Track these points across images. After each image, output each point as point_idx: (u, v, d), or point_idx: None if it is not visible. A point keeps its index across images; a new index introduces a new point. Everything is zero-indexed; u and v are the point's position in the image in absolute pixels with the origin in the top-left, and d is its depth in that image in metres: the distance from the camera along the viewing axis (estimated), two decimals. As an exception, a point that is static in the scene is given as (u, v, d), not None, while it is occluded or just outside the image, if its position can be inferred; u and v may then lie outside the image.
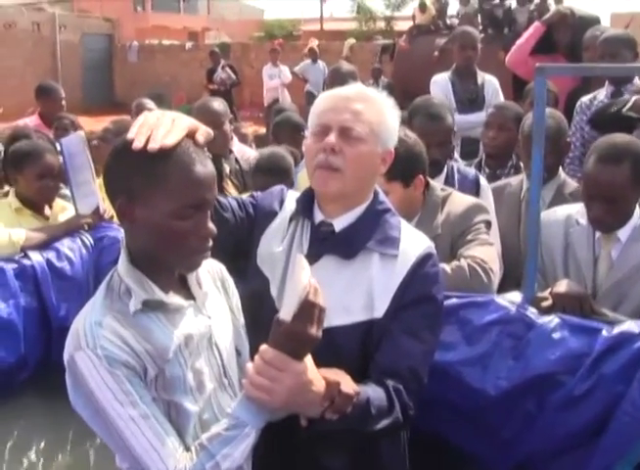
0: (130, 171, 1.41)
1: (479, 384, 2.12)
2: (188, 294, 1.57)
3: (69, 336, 1.44)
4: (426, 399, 2.20)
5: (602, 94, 4.11)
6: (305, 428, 1.52)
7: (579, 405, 2.02)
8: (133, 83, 19.77)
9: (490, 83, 4.89)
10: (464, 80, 4.89)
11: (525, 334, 2.12)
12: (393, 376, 1.66)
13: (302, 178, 3.46)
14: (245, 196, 2.02)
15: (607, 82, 4.15)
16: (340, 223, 1.77)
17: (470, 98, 4.76)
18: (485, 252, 2.38)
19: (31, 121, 5.75)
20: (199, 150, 1.46)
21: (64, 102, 5.91)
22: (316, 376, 1.47)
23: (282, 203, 1.91)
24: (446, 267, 2.32)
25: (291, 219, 1.85)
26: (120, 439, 1.40)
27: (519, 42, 5.34)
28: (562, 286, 2.21)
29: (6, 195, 3.39)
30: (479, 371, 2.13)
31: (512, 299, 2.22)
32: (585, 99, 4.14)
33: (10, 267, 2.91)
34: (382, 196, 1.85)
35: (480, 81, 4.89)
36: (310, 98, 13.85)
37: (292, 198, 1.91)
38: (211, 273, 1.68)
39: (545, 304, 2.18)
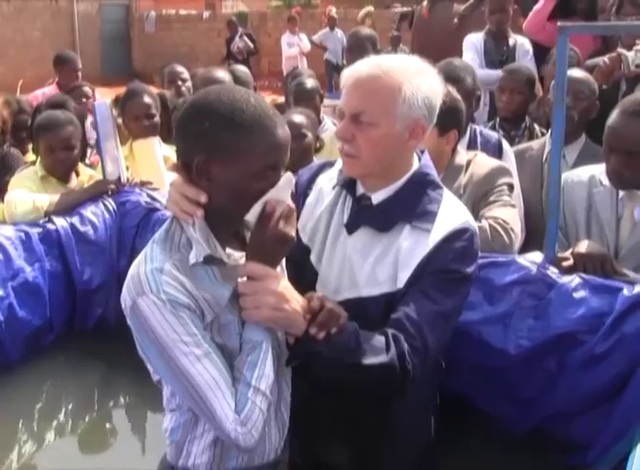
0: (214, 131, 1.45)
1: (499, 343, 2.14)
2: (242, 246, 1.62)
3: (130, 283, 1.49)
4: (445, 358, 2.24)
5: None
6: (292, 347, 1.57)
7: (600, 365, 2.03)
8: (151, 54, 19.70)
9: (522, 46, 4.84)
10: (497, 41, 4.86)
11: (546, 294, 2.13)
12: (396, 327, 1.64)
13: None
14: None
15: (619, 45, 4.10)
16: (377, 197, 1.76)
17: (501, 59, 4.70)
18: (507, 213, 2.38)
19: (49, 91, 5.79)
20: (278, 113, 1.51)
21: (79, 72, 5.93)
22: (295, 291, 1.56)
23: (316, 177, 1.93)
24: (468, 228, 2.33)
25: (333, 188, 1.86)
26: (186, 378, 1.47)
27: (536, 7, 5.26)
28: (583, 246, 2.22)
29: (34, 163, 3.44)
30: (499, 331, 2.15)
31: (533, 259, 2.23)
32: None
33: (35, 232, 2.95)
34: (427, 167, 1.81)
35: (512, 43, 4.86)
36: (329, 66, 13.77)
37: (329, 172, 1.92)
38: None
39: (566, 263, 2.18)
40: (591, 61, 3.93)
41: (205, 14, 20.62)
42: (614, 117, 2.39)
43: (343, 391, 1.71)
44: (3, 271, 2.81)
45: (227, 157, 1.45)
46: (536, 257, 2.25)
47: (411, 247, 1.70)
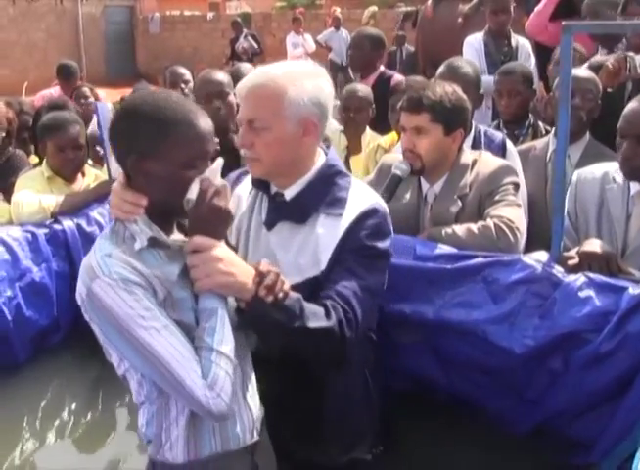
0: (143, 131, 1.59)
1: (505, 342, 2.14)
2: (185, 234, 1.73)
3: (83, 274, 1.59)
4: (451, 357, 2.25)
5: (597, 59, 4.06)
6: (244, 311, 1.67)
7: (605, 363, 2.03)
8: (155, 55, 19.72)
9: (523, 47, 4.83)
10: (497, 41, 4.83)
11: (552, 293, 2.13)
12: (327, 300, 1.77)
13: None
14: None
15: (599, 47, 4.11)
16: (290, 192, 1.91)
17: (503, 60, 4.66)
18: (512, 212, 2.38)
19: (55, 92, 5.83)
20: (198, 107, 1.68)
21: (77, 81, 6.01)
22: (240, 259, 1.69)
23: (234, 187, 2.05)
24: (473, 227, 2.33)
25: (250, 192, 2.02)
26: (150, 353, 1.53)
27: (538, 8, 5.26)
28: (589, 245, 2.22)
29: (38, 165, 3.45)
30: (505, 330, 2.15)
31: (538, 258, 2.23)
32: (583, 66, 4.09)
33: (42, 232, 2.97)
34: (332, 159, 1.95)
35: (513, 44, 4.84)
36: (334, 66, 13.76)
37: (245, 180, 2.07)
38: None
39: (572, 262, 2.18)
40: (596, 60, 3.93)
41: (209, 15, 20.66)
42: (629, 105, 2.40)
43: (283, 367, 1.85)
44: (10, 272, 2.83)
45: (157, 152, 1.59)
46: (541, 256, 2.24)
47: (327, 232, 1.85)
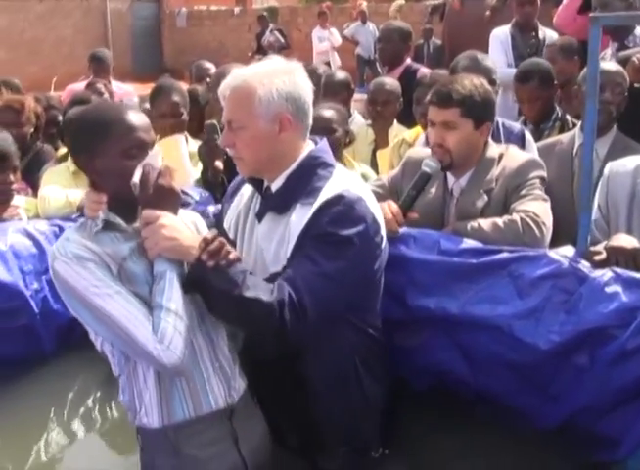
0: (84, 134, 1.84)
1: (530, 338, 2.12)
2: None
3: (48, 259, 1.83)
4: (475, 353, 2.24)
5: (608, 53, 4.00)
6: (188, 274, 1.80)
7: (631, 360, 2.01)
8: (182, 49, 19.80)
9: (551, 40, 4.77)
10: (524, 34, 4.80)
11: (578, 288, 2.10)
12: (278, 281, 1.84)
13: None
14: None
15: (610, 40, 4.05)
16: (275, 185, 2.00)
17: (530, 53, 4.63)
18: (539, 206, 2.36)
19: (85, 86, 5.88)
20: (130, 105, 1.82)
21: (110, 71, 6.09)
22: (188, 228, 1.87)
23: (240, 186, 2.19)
24: (499, 221, 2.32)
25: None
26: (106, 316, 1.72)
27: (565, 1, 5.22)
28: (616, 240, 2.20)
29: (65, 157, 3.48)
30: (530, 325, 2.13)
31: (564, 253, 2.20)
32: None
33: (68, 226, 2.96)
34: (318, 151, 2.02)
35: (541, 36, 4.79)
36: (361, 60, 13.71)
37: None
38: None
39: (598, 257, 2.16)
40: (623, 53, 3.88)
41: (236, 9, 20.66)
42: None
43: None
44: (37, 265, 2.86)
45: (99, 149, 1.81)
46: (568, 250, 2.22)
47: (297, 220, 1.92)
